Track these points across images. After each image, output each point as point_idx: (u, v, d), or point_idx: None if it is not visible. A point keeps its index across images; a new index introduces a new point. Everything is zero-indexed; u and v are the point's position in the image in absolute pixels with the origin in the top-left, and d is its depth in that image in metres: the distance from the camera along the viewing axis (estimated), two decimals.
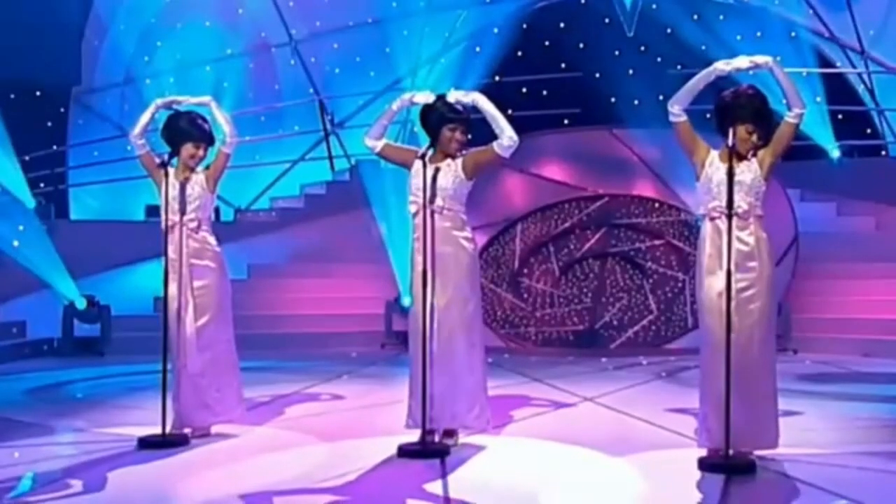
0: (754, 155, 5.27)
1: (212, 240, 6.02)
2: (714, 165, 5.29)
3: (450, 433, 5.69)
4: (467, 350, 5.61)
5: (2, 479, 5.14)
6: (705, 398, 5.21)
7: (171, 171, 5.98)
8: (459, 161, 5.68)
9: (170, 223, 5.93)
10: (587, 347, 10.98)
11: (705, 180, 5.28)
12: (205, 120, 6.10)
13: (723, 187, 5.14)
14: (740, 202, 5.16)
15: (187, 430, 5.92)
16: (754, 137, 5.24)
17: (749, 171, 5.24)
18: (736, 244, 5.11)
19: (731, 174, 5.12)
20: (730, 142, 5.23)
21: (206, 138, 6.07)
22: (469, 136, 5.70)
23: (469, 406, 5.64)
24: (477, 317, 5.71)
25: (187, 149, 6.00)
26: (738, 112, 5.27)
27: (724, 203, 5.11)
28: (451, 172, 5.63)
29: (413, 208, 5.63)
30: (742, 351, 5.06)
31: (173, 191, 5.96)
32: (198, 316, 5.91)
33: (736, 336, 5.02)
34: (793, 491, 4.82)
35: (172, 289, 5.88)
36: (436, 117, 5.67)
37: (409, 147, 6.02)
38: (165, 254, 5.97)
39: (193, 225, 5.93)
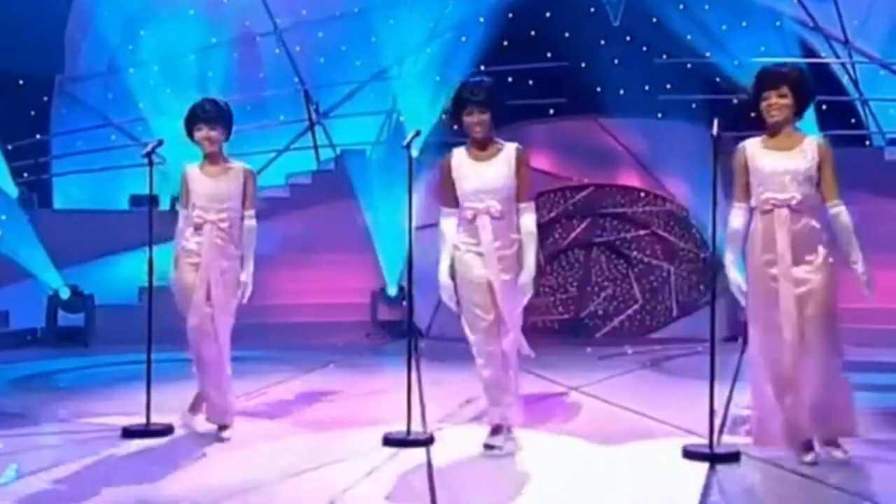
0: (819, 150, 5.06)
1: (238, 238, 5.81)
2: (759, 156, 5.10)
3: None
4: None
5: None
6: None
7: (193, 168, 5.83)
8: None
9: (198, 220, 5.73)
10: (572, 337, 11.00)
11: (754, 173, 5.08)
12: (216, 103, 5.88)
13: (776, 178, 5.00)
14: (794, 192, 4.99)
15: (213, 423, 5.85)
16: (784, 101, 5.04)
17: (803, 159, 5.04)
18: (789, 237, 4.97)
19: (715, 158, 5.05)
20: (714, 131, 5.19)
21: (220, 118, 5.81)
22: (489, 115, 5.26)
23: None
24: None
25: (200, 130, 5.77)
26: (768, 79, 5.10)
27: (780, 195, 4.98)
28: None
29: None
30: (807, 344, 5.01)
31: (203, 186, 5.77)
32: (218, 314, 5.74)
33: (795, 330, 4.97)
34: (776, 478, 4.85)
35: (190, 278, 5.73)
36: (455, 105, 5.38)
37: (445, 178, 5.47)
38: (150, 243, 5.95)
39: (225, 225, 5.74)
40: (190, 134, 5.82)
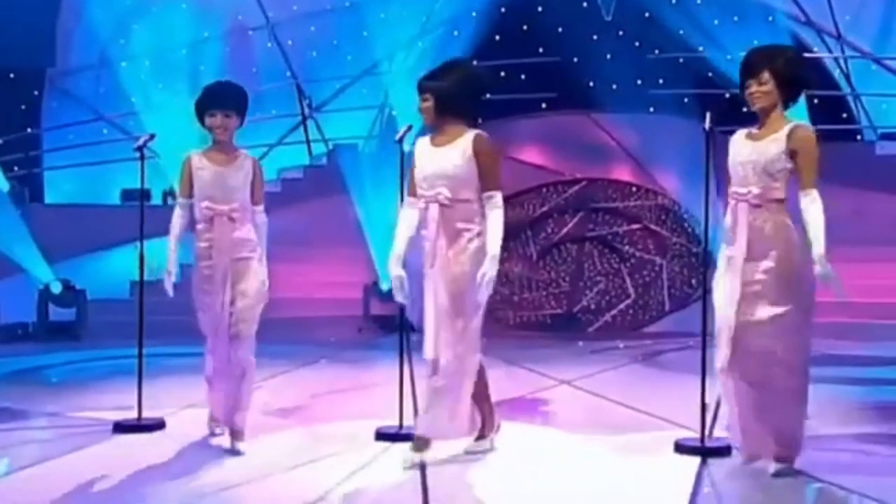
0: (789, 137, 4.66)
1: (252, 234, 5.47)
2: (736, 146, 4.79)
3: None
4: None
5: None
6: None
7: (198, 155, 5.42)
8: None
9: (208, 212, 5.34)
10: (565, 331, 11.01)
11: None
12: (232, 87, 5.50)
13: (739, 168, 4.71)
14: (752, 186, 4.67)
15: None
16: (765, 88, 4.70)
17: (767, 150, 4.67)
18: (748, 232, 4.66)
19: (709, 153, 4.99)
20: (707, 125, 5.17)
21: (238, 105, 5.43)
22: (431, 100, 5.03)
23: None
24: None
25: (214, 117, 5.35)
26: (748, 66, 4.76)
27: (740, 188, 4.68)
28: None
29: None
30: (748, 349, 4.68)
31: (210, 176, 5.36)
32: (238, 317, 5.36)
33: (741, 334, 4.66)
34: (767, 472, 4.85)
35: (208, 300, 5.35)
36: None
37: None
38: (142, 238, 5.92)
39: (236, 215, 5.36)
40: (201, 118, 5.42)
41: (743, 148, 4.75)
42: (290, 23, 13.98)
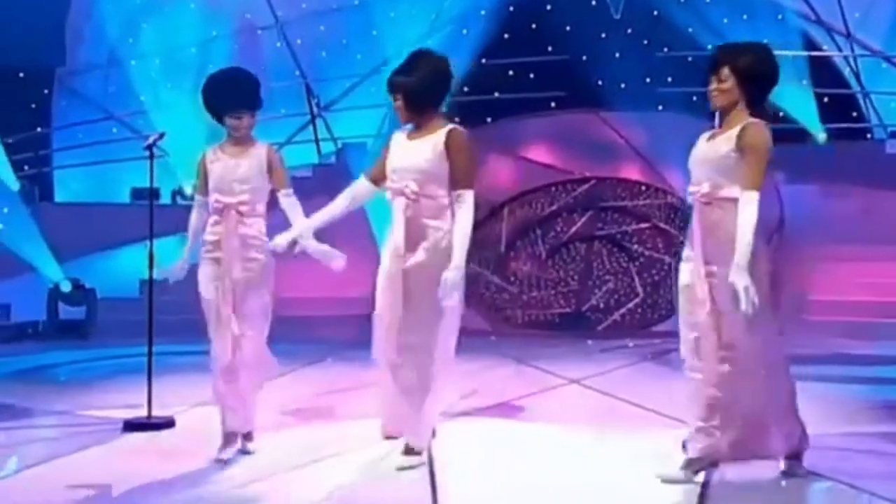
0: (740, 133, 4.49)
1: (262, 229, 5.30)
2: (697, 145, 4.70)
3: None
4: None
5: None
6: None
7: (212, 149, 5.29)
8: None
9: (217, 205, 5.19)
10: (573, 330, 11.00)
11: None
12: (242, 84, 5.31)
13: (694, 167, 4.62)
14: (704, 183, 4.53)
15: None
16: (725, 86, 4.56)
17: (719, 146, 4.54)
18: (700, 231, 4.53)
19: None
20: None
21: (253, 102, 5.29)
22: (401, 99, 4.91)
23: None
24: None
25: (229, 121, 5.24)
26: (711, 63, 4.64)
27: (694, 186, 4.59)
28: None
29: None
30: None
31: (221, 167, 5.22)
32: (239, 313, 5.20)
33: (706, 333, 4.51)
34: (778, 472, 4.84)
35: (212, 288, 5.20)
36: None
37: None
38: (151, 236, 5.92)
39: (246, 209, 5.20)
40: (214, 115, 5.30)
41: (700, 146, 4.64)
42: (298, 22, 13.99)
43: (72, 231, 11.07)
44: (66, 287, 10.66)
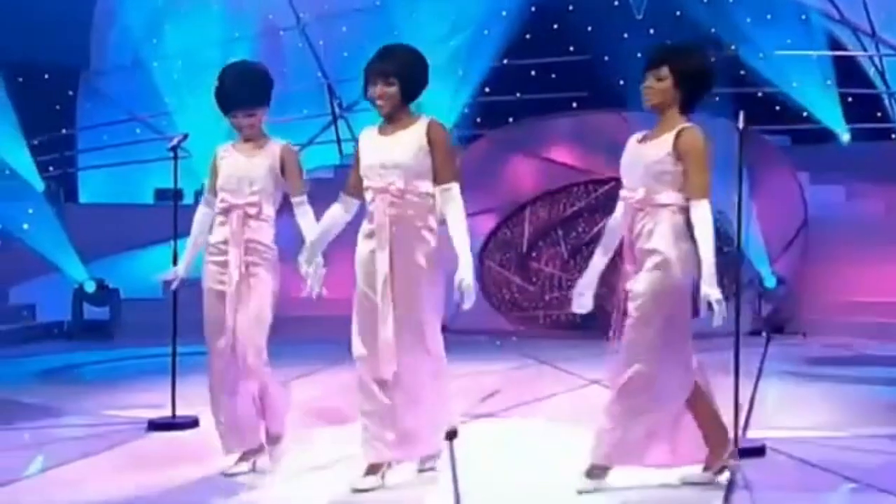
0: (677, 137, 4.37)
1: (270, 234, 4.93)
2: (629, 147, 4.56)
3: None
4: None
5: (13, 461, 5.17)
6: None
7: (224, 147, 5.00)
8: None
9: (223, 205, 4.88)
10: (595, 330, 10.95)
11: None
12: (248, 80, 4.99)
13: (626, 170, 4.49)
14: (639, 188, 4.41)
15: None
16: (662, 85, 4.42)
17: (656, 151, 4.41)
18: (629, 236, 4.45)
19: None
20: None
21: (260, 100, 4.95)
22: (398, 87, 4.55)
23: None
24: None
25: (236, 118, 4.92)
26: (649, 59, 4.53)
27: (628, 190, 4.45)
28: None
29: None
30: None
31: (230, 165, 4.89)
32: (240, 318, 4.83)
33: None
34: (802, 473, 4.83)
35: (215, 306, 4.89)
36: (364, 73, 4.67)
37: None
38: (175, 237, 5.93)
39: (253, 211, 4.85)
40: (223, 111, 4.99)
41: (632, 150, 4.51)
42: (320, 22, 14.04)
43: (96, 232, 11.13)
44: (90, 287, 10.73)
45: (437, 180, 4.50)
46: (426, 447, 4.69)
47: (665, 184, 4.36)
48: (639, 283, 4.40)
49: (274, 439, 4.98)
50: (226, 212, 4.86)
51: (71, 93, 13.59)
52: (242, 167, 4.87)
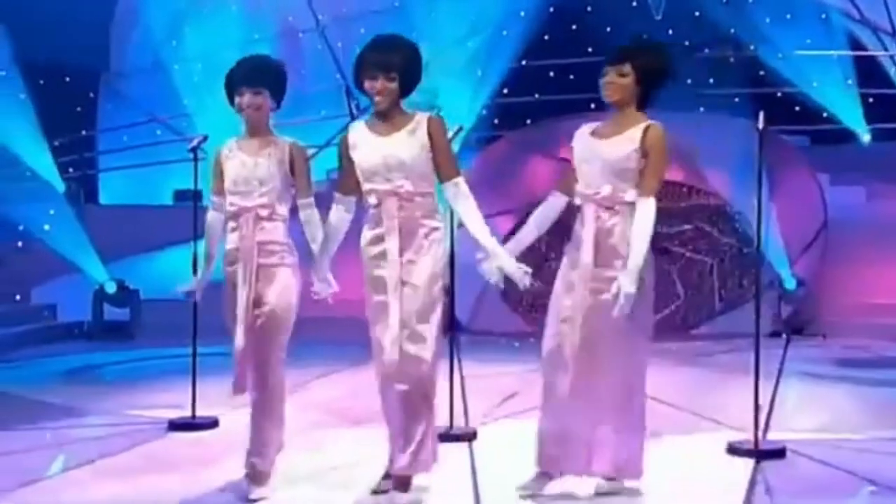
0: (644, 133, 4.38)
1: (284, 232, 4.67)
2: (580, 142, 4.51)
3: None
4: None
5: (34, 461, 5.20)
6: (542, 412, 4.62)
7: (228, 144, 4.71)
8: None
9: (232, 209, 4.63)
10: None
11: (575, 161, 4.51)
12: (264, 61, 4.80)
13: (585, 167, 4.42)
14: (602, 186, 4.36)
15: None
16: (623, 81, 4.47)
17: (620, 147, 4.38)
18: (595, 235, 4.39)
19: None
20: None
21: (265, 80, 4.65)
22: (397, 80, 4.35)
23: None
24: None
25: (242, 95, 4.61)
26: (611, 54, 4.54)
27: (587, 188, 4.39)
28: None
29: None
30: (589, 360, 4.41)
31: (237, 166, 4.62)
32: (259, 328, 4.61)
33: (582, 342, 4.42)
34: (822, 476, 4.81)
35: (231, 291, 4.65)
36: (356, 66, 4.41)
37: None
38: (195, 238, 5.95)
39: (266, 213, 4.59)
40: (231, 101, 4.69)
41: (589, 145, 4.45)
42: (339, 24, 14.07)
43: (116, 233, 11.19)
44: (110, 288, 10.78)
45: (441, 177, 4.35)
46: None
47: (629, 181, 4.35)
48: (612, 286, 4.29)
49: (258, 476, 4.66)
50: (236, 216, 4.61)
51: (92, 94, 13.67)
52: (249, 167, 4.60)
